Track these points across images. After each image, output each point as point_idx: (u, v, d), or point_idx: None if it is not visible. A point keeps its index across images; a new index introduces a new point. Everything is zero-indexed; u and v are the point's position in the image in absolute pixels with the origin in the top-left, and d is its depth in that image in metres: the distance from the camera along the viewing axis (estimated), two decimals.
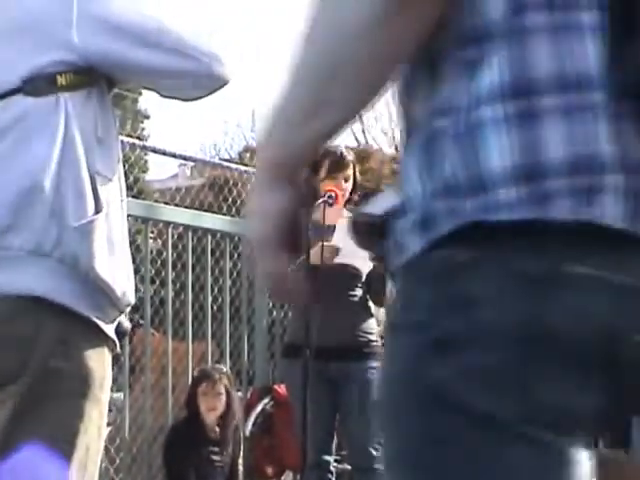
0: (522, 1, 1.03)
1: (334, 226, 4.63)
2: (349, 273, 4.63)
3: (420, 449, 1.03)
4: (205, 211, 7.52)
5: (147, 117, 23.05)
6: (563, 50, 1.02)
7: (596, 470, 1.00)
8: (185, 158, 7.70)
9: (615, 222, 1.00)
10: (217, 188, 8.10)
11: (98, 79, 2.03)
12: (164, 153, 7.68)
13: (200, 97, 2.15)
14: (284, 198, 1.12)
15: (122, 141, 6.67)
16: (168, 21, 2.05)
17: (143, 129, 22.74)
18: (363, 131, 31.33)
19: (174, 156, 7.46)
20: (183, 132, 43.18)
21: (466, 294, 1.00)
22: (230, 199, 7.82)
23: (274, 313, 6.27)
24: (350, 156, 4.78)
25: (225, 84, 2.11)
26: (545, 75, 1.01)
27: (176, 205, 9.39)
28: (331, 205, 4.47)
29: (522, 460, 1.00)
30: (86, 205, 1.97)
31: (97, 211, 1.99)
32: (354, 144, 25.11)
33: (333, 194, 4.47)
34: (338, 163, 4.67)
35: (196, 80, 2.08)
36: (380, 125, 31.54)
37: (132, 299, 2.10)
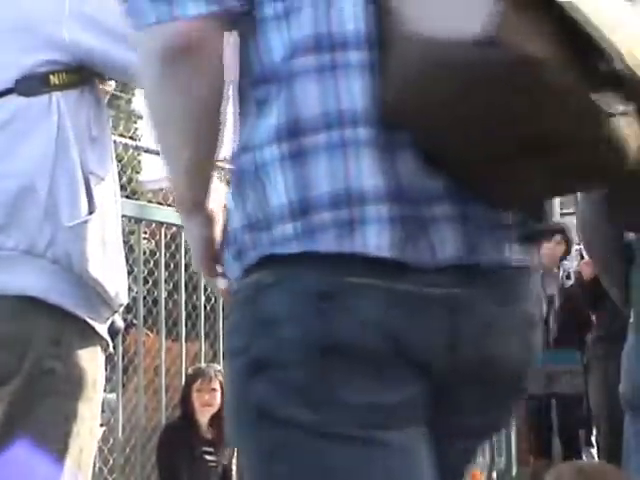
0: (294, 45, 1.12)
1: None
2: None
3: (256, 464, 1.15)
4: None
5: (140, 117, 23.00)
6: (328, 90, 1.10)
7: (576, 477, 1.06)
8: None
9: (379, 251, 1.09)
10: None
11: (91, 78, 2.03)
12: (157, 153, 7.66)
13: None
14: (198, 224, 1.28)
15: (115, 141, 6.69)
16: None
17: (136, 129, 22.68)
18: None
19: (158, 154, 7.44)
20: None
21: (270, 315, 1.12)
22: None
23: None
24: None
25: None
26: (311, 115, 1.10)
27: (169, 205, 9.37)
28: None
29: (344, 458, 1.11)
30: (80, 205, 1.97)
31: (91, 211, 1.98)
32: None
33: None
34: None
35: None
36: None
37: (125, 299, 2.10)
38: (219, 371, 5.05)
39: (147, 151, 7.92)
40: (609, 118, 1.06)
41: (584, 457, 6.45)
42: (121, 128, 21.32)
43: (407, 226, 1.10)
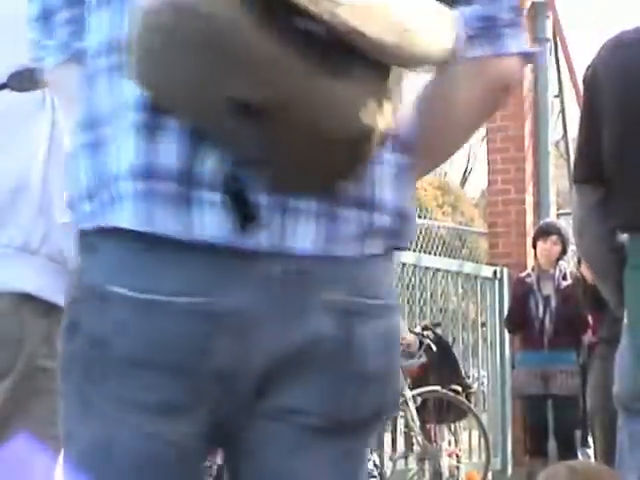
0: (95, 46, 1.27)
1: None
2: None
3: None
4: None
5: None
6: (114, 86, 1.25)
7: (570, 477, 1.05)
8: None
9: (130, 225, 1.20)
10: None
11: None
12: None
13: None
14: None
15: None
16: None
17: None
18: None
19: None
20: None
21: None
22: None
23: None
24: None
25: None
26: (103, 110, 1.26)
27: None
28: None
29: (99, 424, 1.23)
30: None
31: None
32: None
33: None
34: None
35: None
36: None
37: None
38: None
39: None
40: (312, 79, 1.08)
41: (580, 457, 6.46)
42: None
43: (161, 203, 1.17)
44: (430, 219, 14.40)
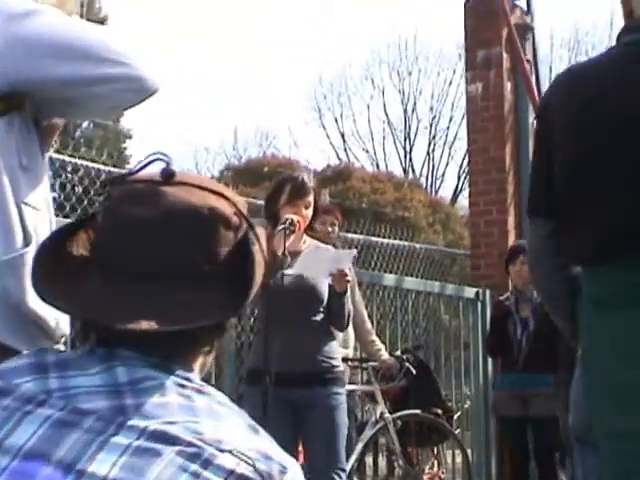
0: None
1: (296, 252, 4.63)
2: (310, 297, 4.61)
3: None
4: None
5: (129, 137, 23.00)
6: None
7: None
8: None
9: None
10: None
11: (21, 105, 2.01)
12: None
13: (133, 104, 2.06)
14: None
15: (99, 169, 6.69)
16: (90, 32, 2.00)
17: (125, 149, 22.68)
18: (345, 149, 31.52)
19: None
20: (166, 151, 42.88)
21: None
22: None
23: (242, 337, 6.27)
24: (311, 183, 4.76)
25: (156, 90, 2.03)
26: None
27: None
28: (292, 232, 4.44)
29: None
30: (15, 237, 1.95)
31: (26, 244, 1.96)
32: (335, 162, 25.25)
33: (292, 220, 4.44)
34: (299, 190, 4.65)
35: (128, 84, 2.00)
36: (361, 144, 31.75)
37: (67, 329, 2.08)
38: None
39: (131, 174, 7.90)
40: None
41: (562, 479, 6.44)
42: (109, 147, 21.39)
43: None
44: (418, 239, 14.38)
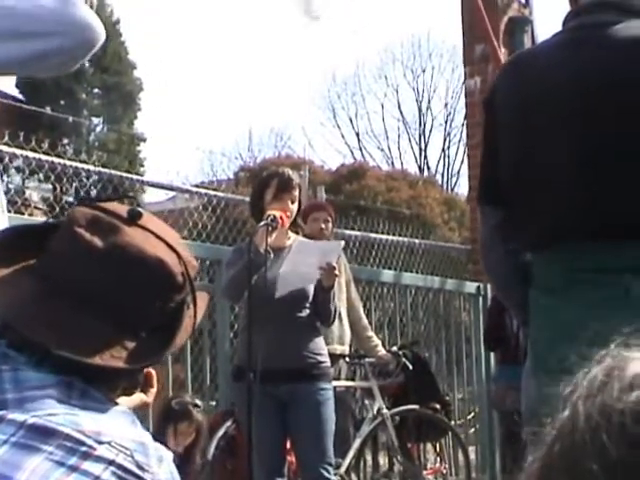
0: None
1: (280, 249, 4.63)
2: (296, 293, 4.61)
3: None
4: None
5: (143, 140, 23.04)
6: None
7: None
8: (173, 189, 7.74)
9: None
10: (211, 210, 8.16)
11: None
12: (152, 185, 7.69)
13: (78, 63, 2.06)
14: None
15: (111, 174, 6.70)
16: (17, 5, 1.95)
17: (139, 152, 22.72)
18: (360, 148, 31.50)
19: (162, 187, 7.47)
20: (181, 153, 43.05)
21: None
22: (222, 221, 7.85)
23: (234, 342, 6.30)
24: (296, 178, 4.77)
25: (95, 45, 2.00)
26: None
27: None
28: (275, 228, 4.44)
29: None
30: None
31: None
32: (350, 161, 25.24)
33: (274, 217, 4.44)
34: (285, 185, 4.66)
35: (64, 56, 1.99)
36: (376, 142, 31.72)
37: None
38: (199, 408, 4.89)
39: (143, 182, 7.92)
40: None
41: None
42: (124, 150, 21.43)
43: None
44: (434, 237, 14.35)
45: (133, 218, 1.46)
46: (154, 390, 1.57)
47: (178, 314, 1.46)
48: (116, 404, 1.41)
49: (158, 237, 1.46)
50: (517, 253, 2.51)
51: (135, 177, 8.00)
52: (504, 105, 2.46)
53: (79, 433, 1.27)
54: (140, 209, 1.47)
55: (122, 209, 1.47)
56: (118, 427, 1.32)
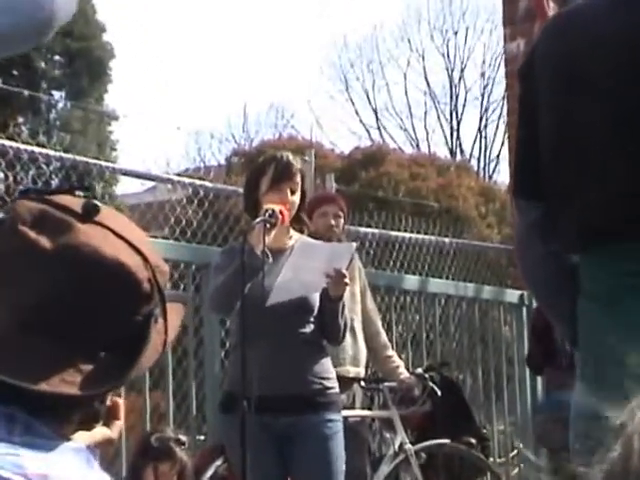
0: None
1: (281, 250, 4.64)
2: (298, 305, 4.61)
3: None
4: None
5: (115, 118, 23.05)
6: None
7: None
8: (151, 178, 7.77)
9: None
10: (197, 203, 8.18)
11: None
12: (126, 173, 7.72)
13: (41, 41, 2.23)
14: None
15: (76, 160, 6.72)
16: None
17: (110, 132, 22.73)
18: (378, 128, 31.46)
19: (139, 176, 7.51)
20: (161, 135, 43.04)
21: None
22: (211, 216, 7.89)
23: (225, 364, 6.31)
24: (297, 163, 4.78)
25: (57, 22, 2.18)
26: None
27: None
28: (273, 225, 4.44)
29: None
30: None
31: None
32: (367, 144, 25.25)
33: (273, 211, 4.45)
34: (284, 171, 4.67)
35: (22, 36, 2.15)
36: (397, 120, 31.67)
37: None
38: (184, 445, 4.90)
39: (124, 172, 7.96)
40: None
41: None
42: (92, 131, 21.40)
43: None
44: (468, 235, 14.34)
45: (89, 213, 1.44)
46: (120, 423, 1.54)
47: (144, 329, 1.44)
48: (69, 440, 1.40)
49: (119, 236, 1.45)
50: (561, 254, 2.52)
51: (105, 164, 8.02)
52: (544, 70, 2.47)
53: (22, 477, 1.27)
54: (97, 202, 1.45)
55: (75, 203, 1.46)
56: (70, 469, 1.32)
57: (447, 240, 9.06)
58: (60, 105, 22.61)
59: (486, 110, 30.00)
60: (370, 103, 30.74)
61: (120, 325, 1.43)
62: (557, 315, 2.60)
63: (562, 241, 2.49)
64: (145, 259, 1.45)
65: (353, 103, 30.86)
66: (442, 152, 27.58)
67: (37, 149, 6.60)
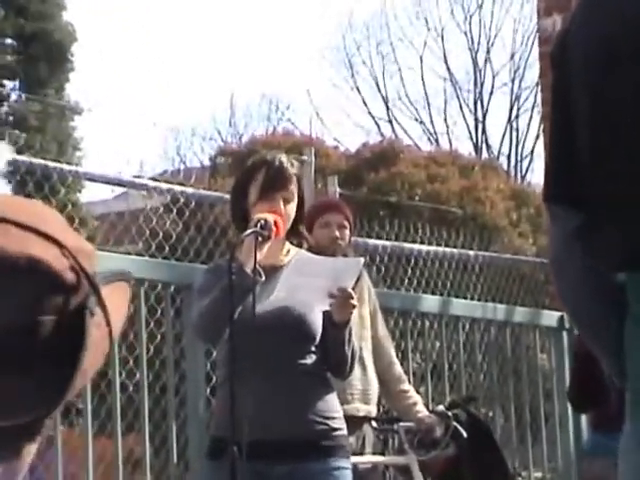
0: None
1: (275, 268, 4.65)
2: (297, 331, 4.62)
3: None
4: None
5: (79, 113, 23.10)
6: None
7: None
8: (123, 184, 7.81)
9: None
10: (177, 212, 8.18)
11: None
12: (92, 179, 7.75)
13: None
14: None
15: (31, 163, 6.72)
16: None
17: (74, 129, 22.78)
18: (389, 121, 31.49)
19: (107, 181, 7.54)
20: (134, 132, 43.16)
21: None
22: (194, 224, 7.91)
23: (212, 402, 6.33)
24: (293, 167, 4.78)
25: None
26: None
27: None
28: (266, 238, 4.45)
29: None
30: None
31: None
32: (376, 140, 25.25)
33: (266, 222, 4.46)
34: (276, 177, 4.68)
35: None
36: (412, 112, 31.69)
37: None
38: None
39: (90, 177, 7.99)
40: None
41: None
42: (52, 127, 21.42)
43: None
44: (495, 246, 14.36)
45: None
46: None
47: (78, 327, 1.41)
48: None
49: (22, 226, 1.42)
50: (604, 273, 2.53)
51: (68, 167, 8.06)
52: (581, 54, 2.48)
53: None
54: None
55: None
56: None
57: (472, 253, 9.08)
58: (13, 97, 22.70)
59: (517, 98, 30.09)
60: (380, 91, 30.83)
61: (50, 329, 1.39)
62: (602, 345, 2.60)
63: (606, 256, 2.49)
64: (60, 245, 1.42)
65: (360, 92, 30.94)
66: (465, 149, 27.64)
67: None
